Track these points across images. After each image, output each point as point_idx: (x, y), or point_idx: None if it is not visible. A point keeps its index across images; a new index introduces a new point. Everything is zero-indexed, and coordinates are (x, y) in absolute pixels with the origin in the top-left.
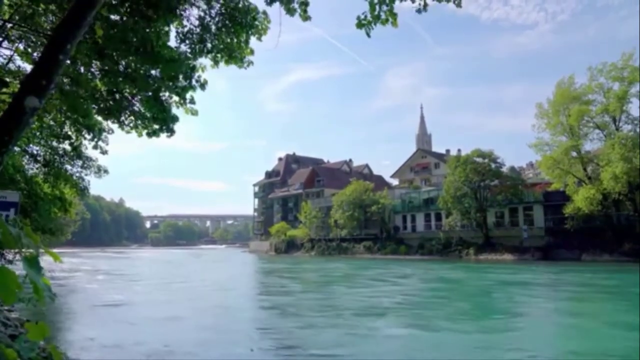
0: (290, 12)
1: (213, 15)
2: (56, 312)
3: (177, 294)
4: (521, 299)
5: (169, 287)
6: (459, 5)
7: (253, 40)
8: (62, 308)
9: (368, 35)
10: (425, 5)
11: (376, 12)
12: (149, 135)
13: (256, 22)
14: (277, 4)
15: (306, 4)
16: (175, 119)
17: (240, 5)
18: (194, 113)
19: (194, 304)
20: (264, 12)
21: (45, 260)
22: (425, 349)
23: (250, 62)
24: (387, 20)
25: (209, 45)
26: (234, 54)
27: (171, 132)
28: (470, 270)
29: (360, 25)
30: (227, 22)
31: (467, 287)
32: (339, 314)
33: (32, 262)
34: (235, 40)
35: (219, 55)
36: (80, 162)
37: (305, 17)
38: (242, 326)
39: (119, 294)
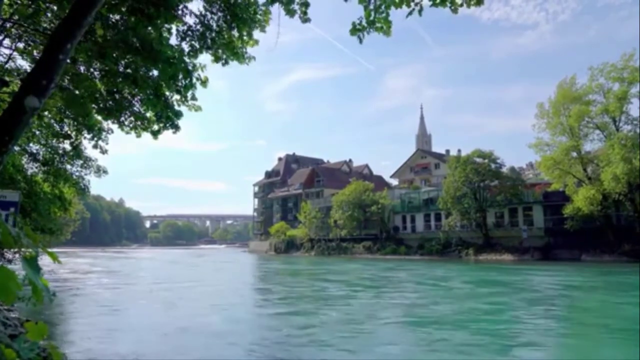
0: (290, 13)
1: (214, 11)
2: (94, 326)
3: (209, 300)
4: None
5: (194, 292)
6: (455, 11)
7: (257, 33)
8: (100, 321)
9: (360, 41)
10: (421, 9)
11: (371, 18)
12: (153, 134)
13: (257, 16)
14: (277, 5)
15: (306, 5)
16: (179, 114)
17: (240, 1)
18: (197, 109)
19: (238, 314)
20: (265, 4)
21: (71, 262)
22: None
23: (252, 58)
24: (381, 27)
25: (209, 41)
26: (236, 50)
27: (176, 128)
28: (504, 272)
29: (354, 31)
30: (228, 17)
31: (530, 291)
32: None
33: (31, 263)
34: (237, 35)
35: (219, 50)
36: (80, 162)
37: (305, 19)
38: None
39: (143, 299)
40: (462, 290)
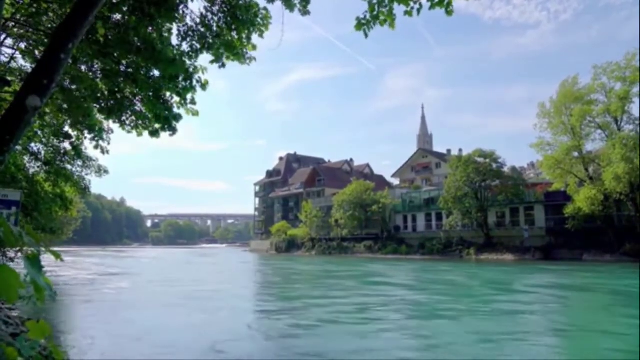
0: (290, 7)
1: (215, 12)
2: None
3: (261, 309)
4: None
5: (234, 298)
6: (449, 13)
7: (255, 37)
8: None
9: (366, 35)
10: (420, 8)
11: (375, 13)
12: (151, 134)
13: (257, 19)
14: (278, 3)
15: (307, 1)
16: (178, 117)
17: (241, 3)
18: (195, 114)
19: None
20: (265, 9)
21: (80, 262)
22: None
23: (253, 58)
24: (385, 21)
25: (210, 42)
26: (236, 51)
27: (173, 130)
28: (551, 273)
29: (359, 26)
30: (228, 19)
31: (620, 295)
32: None
33: (33, 261)
34: (237, 37)
35: (220, 51)
36: (80, 162)
37: (305, 12)
38: None
39: (180, 304)
40: (554, 295)
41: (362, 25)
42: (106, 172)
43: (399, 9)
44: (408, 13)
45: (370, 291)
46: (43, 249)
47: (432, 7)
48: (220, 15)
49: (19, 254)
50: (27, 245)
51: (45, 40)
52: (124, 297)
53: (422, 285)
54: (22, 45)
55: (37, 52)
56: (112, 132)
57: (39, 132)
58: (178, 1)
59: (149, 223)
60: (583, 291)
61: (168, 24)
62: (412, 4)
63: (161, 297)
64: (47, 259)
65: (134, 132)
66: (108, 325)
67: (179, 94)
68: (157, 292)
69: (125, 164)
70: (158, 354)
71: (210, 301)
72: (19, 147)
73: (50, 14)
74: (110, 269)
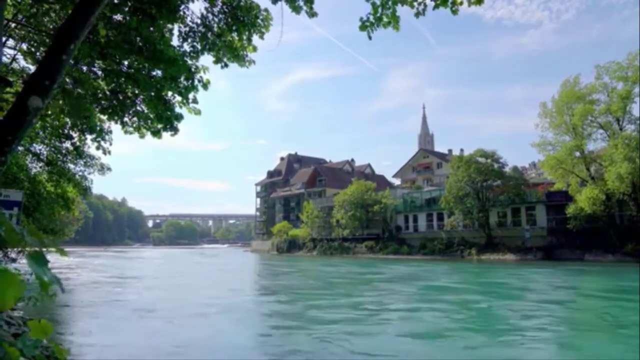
0: (296, 9)
1: (215, 13)
2: None
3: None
4: None
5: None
6: (455, 12)
7: (255, 38)
8: None
9: (369, 37)
10: (425, 8)
11: (378, 15)
12: (153, 134)
13: (258, 21)
14: (280, 3)
15: (311, 1)
16: (179, 117)
17: (242, 4)
18: (197, 113)
19: None
20: (266, 10)
21: (89, 263)
22: None
23: (252, 61)
24: (388, 23)
25: (210, 43)
26: (236, 53)
27: (175, 130)
28: (605, 275)
29: (363, 27)
30: (229, 20)
31: None
32: None
33: (36, 258)
34: (237, 38)
35: (220, 52)
36: (82, 162)
37: (312, 14)
38: None
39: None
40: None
41: (366, 26)
42: (109, 169)
43: (402, 11)
44: (418, 14)
45: (441, 297)
46: (45, 248)
47: (436, 6)
48: (220, 16)
49: (21, 255)
50: (29, 245)
51: (47, 41)
52: (149, 302)
53: (486, 289)
54: (24, 46)
55: (38, 53)
56: (111, 132)
57: (41, 133)
58: (179, 2)
59: (150, 223)
60: None
61: (169, 25)
62: (415, 4)
63: (190, 304)
64: (61, 262)
65: (137, 133)
66: (140, 335)
67: (180, 94)
68: (183, 298)
69: (126, 164)
70: None
71: (250, 314)
72: (21, 148)
73: (52, 15)
74: (124, 270)
